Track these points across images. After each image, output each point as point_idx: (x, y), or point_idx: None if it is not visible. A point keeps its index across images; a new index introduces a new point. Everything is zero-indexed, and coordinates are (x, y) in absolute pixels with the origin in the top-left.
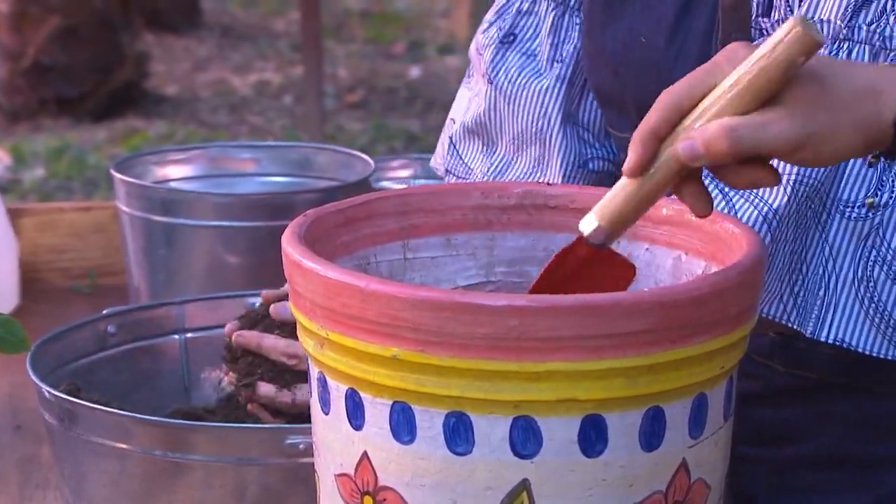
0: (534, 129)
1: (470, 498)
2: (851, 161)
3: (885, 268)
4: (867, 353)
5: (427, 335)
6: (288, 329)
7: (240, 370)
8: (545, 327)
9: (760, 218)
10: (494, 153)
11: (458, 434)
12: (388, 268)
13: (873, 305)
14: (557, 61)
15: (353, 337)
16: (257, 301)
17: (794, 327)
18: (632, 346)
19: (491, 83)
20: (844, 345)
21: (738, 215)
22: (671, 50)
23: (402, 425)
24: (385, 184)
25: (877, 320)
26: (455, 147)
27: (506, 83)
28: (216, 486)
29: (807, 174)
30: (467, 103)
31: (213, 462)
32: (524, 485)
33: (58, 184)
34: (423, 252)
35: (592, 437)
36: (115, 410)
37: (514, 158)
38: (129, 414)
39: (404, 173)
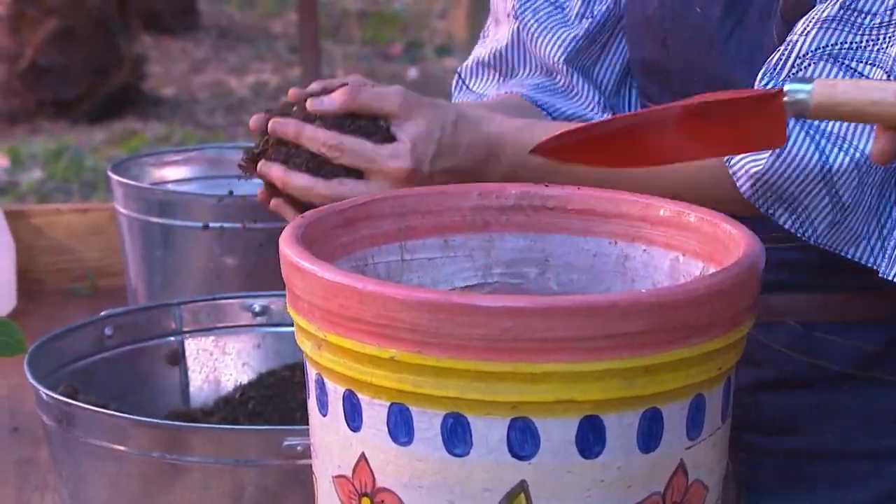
0: (549, 71)
1: (468, 499)
2: None
3: None
4: None
5: (424, 336)
6: (330, 120)
7: (273, 159)
8: (542, 328)
9: (852, 165)
10: (518, 76)
11: (456, 435)
12: (386, 269)
13: None
14: (587, 18)
15: (350, 338)
16: (255, 303)
17: (875, 268)
18: (629, 347)
19: (517, 18)
20: None
21: (831, 163)
22: (728, 20)
23: (400, 427)
24: None
25: None
26: (464, 81)
27: (532, 22)
28: (213, 488)
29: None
30: (480, 41)
31: (211, 464)
32: (522, 486)
33: (55, 186)
34: (420, 253)
35: (590, 438)
36: (113, 412)
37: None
38: (127, 416)
39: None
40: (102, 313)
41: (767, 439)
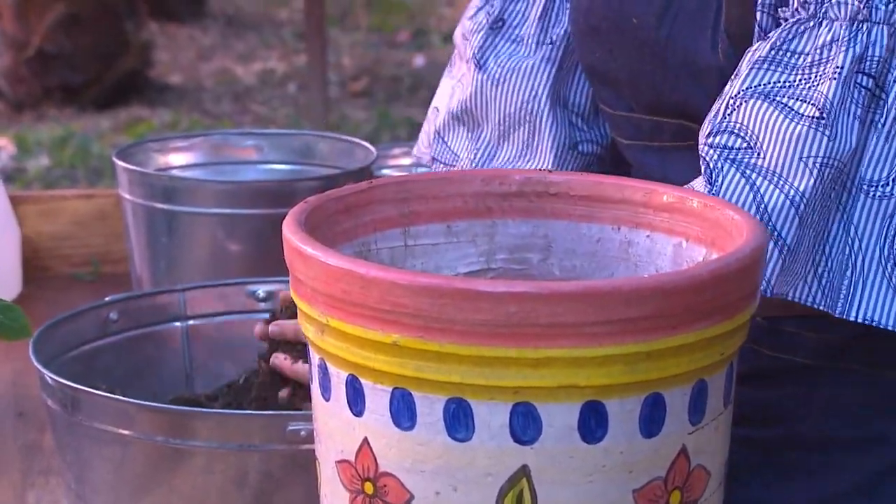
0: (522, 113)
1: (470, 484)
2: (872, 140)
3: None
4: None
5: (427, 321)
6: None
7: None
8: (545, 314)
9: (788, 202)
10: (480, 138)
11: (458, 420)
12: (389, 255)
13: None
14: (547, 44)
15: (353, 323)
16: (259, 289)
17: (822, 308)
18: (631, 333)
19: (480, 68)
20: (874, 324)
21: (765, 200)
22: (662, 30)
23: (403, 411)
24: (387, 171)
25: None
26: (440, 135)
27: (495, 67)
28: (217, 472)
29: (832, 156)
30: (450, 91)
31: (215, 448)
32: (524, 471)
33: (62, 172)
34: (423, 239)
35: (592, 423)
36: (118, 397)
37: (501, 143)
38: (131, 400)
39: (406, 161)
40: (107, 298)
41: (743, 431)
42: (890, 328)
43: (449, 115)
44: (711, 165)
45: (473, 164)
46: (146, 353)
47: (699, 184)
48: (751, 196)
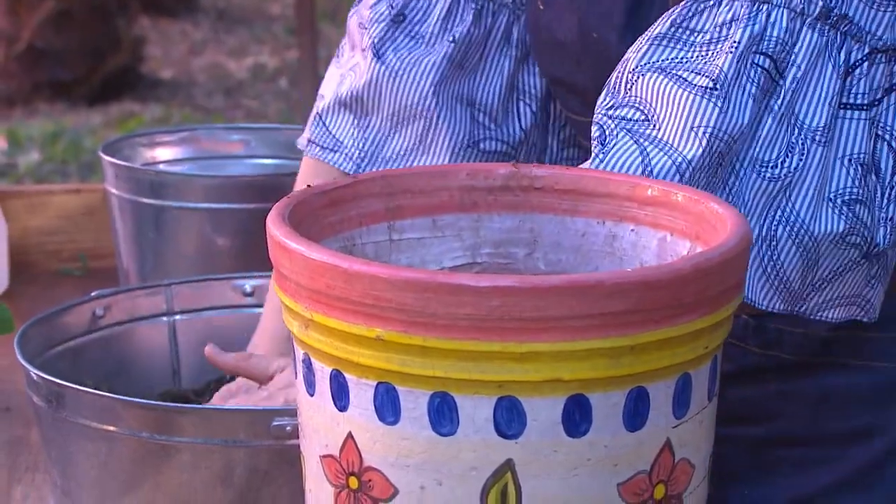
0: (419, 107)
1: (455, 478)
2: (767, 121)
3: (787, 228)
4: (758, 306)
5: (411, 316)
6: None
7: None
8: (529, 307)
9: (674, 168)
10: (369, 126)
11: (443, 414)
12: (374, 249)
13: (772, 263)
14: (448, 41)
15: (337, 318)
16: (246, 283)
17: None
18: (615, 326)
19: (378, 58)
20: (744, 300)
21: (653, 165)
22: (622, 46)
23: (387, 406)
24: None
25: (773, 278)
26: (322, 119)
27: (394, 59)
28: (203, 468)
29: (722, 128)
30: (339, 78)
31: (201, 444)
32: (509, 465)
33: (53, 168)
34: (409, 233)
35: (576, 417)
36: (103, 393)
37: (392, 134)
38: (117, 396)
39: None
40: (93, 293)
41: (730, 429)
42: (757, 305)
43: (335, 100)
44: (606, 132)
45: (360, 153)
46: (132, 348)
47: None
48: (639, 159)
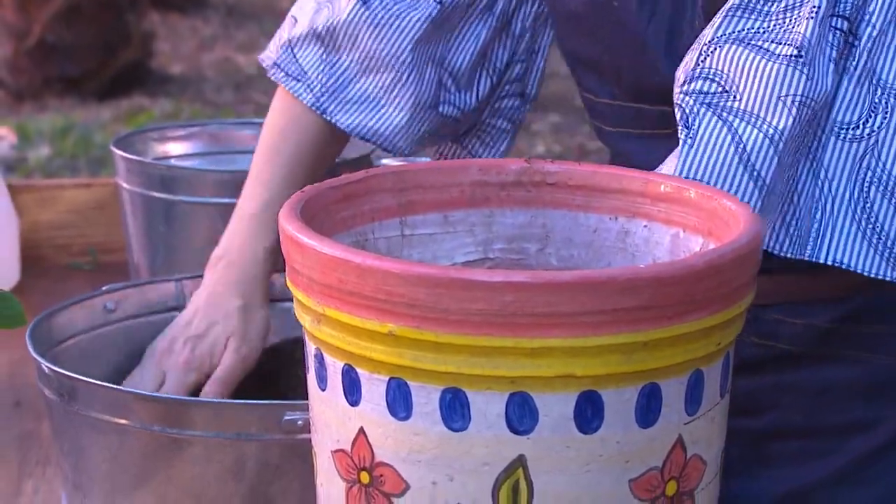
0: (390, 59)
1: (466, 474)
2: (845, 83)
3: (880, 188)
4: (866, 273)
5: (423, 311)
6: None
7: None
8: (541, 303)
9: (767, 140)
10: (337, 64)
11: (455, 410)
12: (386, 244)
13: (870, 226)
14: (436, 2)
15: (349, 313)
16: None
17: (789, 255)
18: (628, 323)
19: (364, 3)
20: (843, 265)
21: (744, 141)
22: (644, 12)
23: (399, 401)
24: (386, 161)
25: (874, 240)
26: (291, 46)
27: (378, 7)
28: (214, 462)
29: (809, 95)
30: (316, 6)
31: (212, 438)
32: (520, 461)
33: (63, 162)
34: (421, 229)
35: (588, 413)
36: (115, 386)
37: (359, 77)
38: (129, 389)
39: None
40: (104, 287)
41: (729, 420)
42: (858, 271)
43: (310, 30)
44: (687, 111)
45: (322, 87)
46: (144, 342)
47: (668, 164)
48: (728, 137)
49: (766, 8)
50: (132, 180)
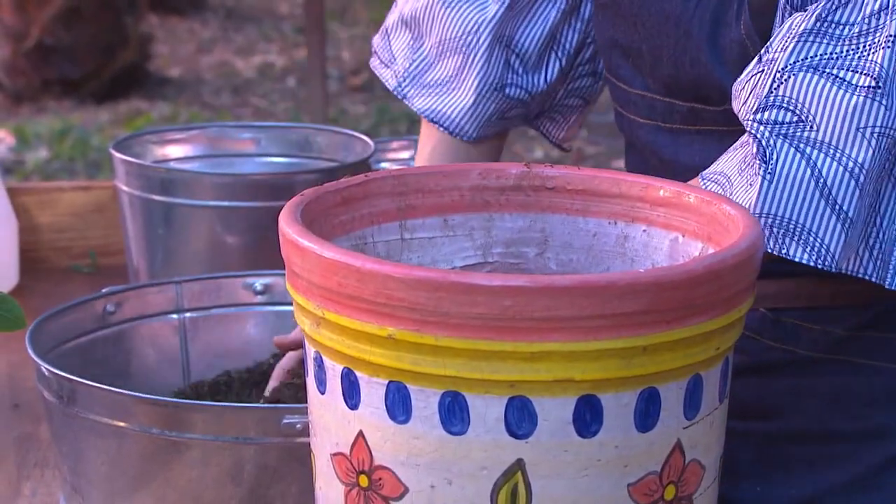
0: (460, 42)
1: (465, 477)
2: None
3: None
4: None
5: (423, 315)
6: None
7: None
8: (541, 307)
9: (847, 174)
10: (420, 49)
11: (454, 414)
12: (386, 248)
13: None
14: None
15: (349, 316)
16: (256, 281)
17: (873, 280)
18: (627, 327)
19: None
20: None
21: (823, 173)
22: (690, 2)
23: (398, 405)
24: (385, 165)
25: None
26: (388, 32)
27: None
28: (213, 465)
29: (889, 125)
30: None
31: (211, 441)
32: (519, 465)
33: (61, 165)
34: (420, 232)
35: (587, 417)
36: (114, 389)
37: (437, 61)
38: (128, 392)
39: (404, 154)
40: (104, 290)
41: (743, 424)
42: None
43: (399, 16)
44: (764, 143)
45: (405, 73)
46: (143, 345)
47: (731, 163)
48: (808, 171)
49: (838, 32)
50: (132, 183)
